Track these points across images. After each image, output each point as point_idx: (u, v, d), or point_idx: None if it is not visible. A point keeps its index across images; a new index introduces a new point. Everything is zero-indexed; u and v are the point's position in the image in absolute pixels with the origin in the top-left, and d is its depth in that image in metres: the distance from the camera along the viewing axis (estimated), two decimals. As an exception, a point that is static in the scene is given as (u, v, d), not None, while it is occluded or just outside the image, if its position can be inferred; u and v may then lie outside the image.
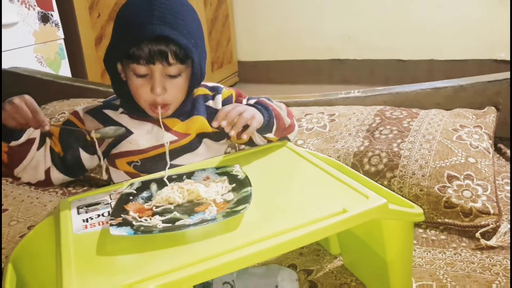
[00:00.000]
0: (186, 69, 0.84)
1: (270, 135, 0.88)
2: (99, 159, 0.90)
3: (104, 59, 0.85)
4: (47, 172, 0.88)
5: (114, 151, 0.90)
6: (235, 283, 0.75)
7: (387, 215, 0.67)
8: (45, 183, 0.89)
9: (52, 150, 0.88)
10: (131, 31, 0.79)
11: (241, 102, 0.93)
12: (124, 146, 0.89)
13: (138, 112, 0.88)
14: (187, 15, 0.82)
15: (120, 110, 0.90)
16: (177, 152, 0.89)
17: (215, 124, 0.78)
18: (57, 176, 0.89)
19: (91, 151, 0.90)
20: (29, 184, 0.88)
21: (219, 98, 0.92)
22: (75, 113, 0.92)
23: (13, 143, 0.81)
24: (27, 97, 0.77)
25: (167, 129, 0.88)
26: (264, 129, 0.85)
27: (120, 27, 0.83)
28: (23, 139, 0.82)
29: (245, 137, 0.79)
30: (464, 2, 2.54)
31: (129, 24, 0.80)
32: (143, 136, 0.88)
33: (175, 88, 0.84)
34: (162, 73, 0.81)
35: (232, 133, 0.77)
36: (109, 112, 0.91)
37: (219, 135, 0.93)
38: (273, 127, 0.86)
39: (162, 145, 0.88)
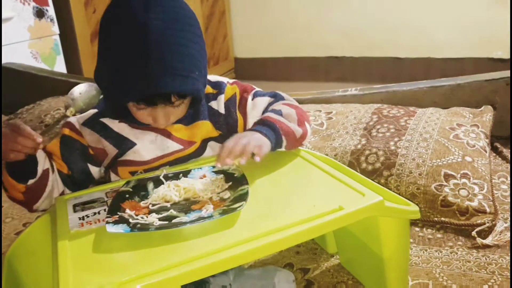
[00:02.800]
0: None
1: (281, 150, 0.81)
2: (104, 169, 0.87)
3: (96, 79, 0.78)
4: (62, 194, 0.83)
5: (118, 159, 0.85)
6: (232, 286, 0.75)
7: (383, 213, 0.67)
8: None
9: (60, 172, 0.82)
10: (128, 81, 0.71)
11: (245, 100, 0.86)
12: (128, 156, 0.84)
13: (138, 122, 0.82)
14: (187, 35, 0.73)
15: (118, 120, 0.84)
16: (181, 161, 0.85)
17: (219, 165, 0.72)
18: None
19: (98, 163, 0.86)
20: (44, 210, 0.82)
21: (222, 99, 0.85)
22: (69, 126, 0.84)
23: (31, 182, 0.77)
24: (11, 122, 0.72)
25: (171, 136, 0.84)
26: (273, 149, 0.78)
27: (111, 60, 0.73)
28: (39, 173, 0.77)
29: (257, 159, 0.72)
30: (461, 0, 2.55)
31: (125, 67, 0.71)
32: (146, 147, 0.83)
33: (179, 113, 0.80)
34: (165, 107, 0.77)
35: (243, 161, 0.71)
36: (107, 121, 0.84)
37: (225, 137, 0.85)
38: (283, 143, 0.79)
39: (167, 155, 0.84)
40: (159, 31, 0.70)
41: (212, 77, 0.88)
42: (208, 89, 0.86)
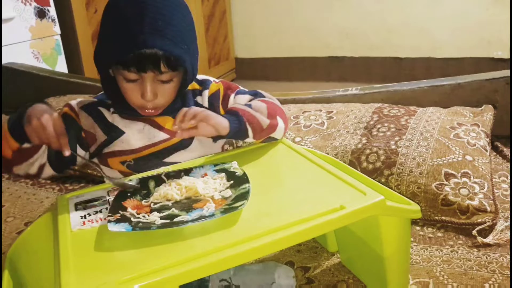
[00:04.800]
0: (178, 74, 0.83)
1: (249, 140, 0.85)
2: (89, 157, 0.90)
3: (94, 59, 0.83)
4: (41, 167, 0.86)
5: (106, 150, 0.88)
6: (232, 280, 0.75)
7: (384, 212, 0.67)
8: (33, 176, 0.87)
9: (49, 147, 0.85)
10: (122, 39, 0.77)
11: (228, 97, 0.91)
12: (116, 146, 0.87)
13: (128, 111, 0.87)
14: (179, 16, 0.80)
15: (112, 109, 0.89)
16: (169, 151, 0.88)
17: (174, 128, 0.77)
18: (47, 171, 0.87)
19: (86, 147, 0.89)
20: (17, 175, 0.86)
21: (206, 93, 0.90)
22: (69, 106, 0.90)
23: (26, 145, 0.80)
24: (55, 116, 0.75)
25: (159, 127, 0.87)
26: (237, 135, 0.82)
27: (109, 29, 0.80)
28: None
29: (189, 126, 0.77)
30: (462, 0, 2.55)
31: (119, 30, 0.78)
32: (134, 136, 0.87)
33: (166, 93, 0.83)
34: (153, 80, 0.80)
35: (179, 132, 0.77)
36: (103, 111, 0.89)
37: None
38: (248, 131, 0.82)
39: (155, 144, 0.86)
40: (155, 4, 0.78)
41: (199, 76, 0.94)
42: (195, 85, 0.92)
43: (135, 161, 0.87)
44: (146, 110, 0.84)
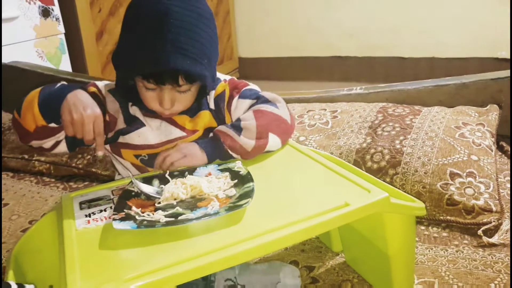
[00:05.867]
0: (197, 84, 0.83)
1: (239, 159, 0.84)
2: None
3: (112, 60, 0.83)
4: (57, 143, 0.85)
5: (121, 139, 0.88)
6: (237, 280, 0.75)
7: (389, 209, 0.67)
8: (45, 150, 0.86)
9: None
10: (143, 55, 0.77)
11: (232, 99, 0.89)
12: (132, 137, 0.87)
13: (146, 108, 0.86)
14: (203, 28, 0.80)
15: (130, 102, 0.89)
16: None
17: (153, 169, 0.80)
18: (60, 148, 0.86)
19: (106, 131, 0.86)
20: (30, 146, 0.85)
21: (212, 94, 0.90)
22: (96, 87, 0.88)
23: (52, 125, 0.79)
24: (98, 114, 0.76)
25: (176, 124, 0.87)
26: (221, 160, 0.83)
27: (131, 40, 0.80)
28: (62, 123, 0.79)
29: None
30: (466, 0, 2.54)
31: (140, 44, 0.77)
32: (152, 132, 0.87)
33: (184, 101, 0.83)
34: (172, 90, 0.81)
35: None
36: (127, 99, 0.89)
37: None
38: (232, 155, 0.83)
39: (171, 141, 0.87)
40: (178, 17, 0.77)
41: None
42: None
43: (150, 156, 0.87)
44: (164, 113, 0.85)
